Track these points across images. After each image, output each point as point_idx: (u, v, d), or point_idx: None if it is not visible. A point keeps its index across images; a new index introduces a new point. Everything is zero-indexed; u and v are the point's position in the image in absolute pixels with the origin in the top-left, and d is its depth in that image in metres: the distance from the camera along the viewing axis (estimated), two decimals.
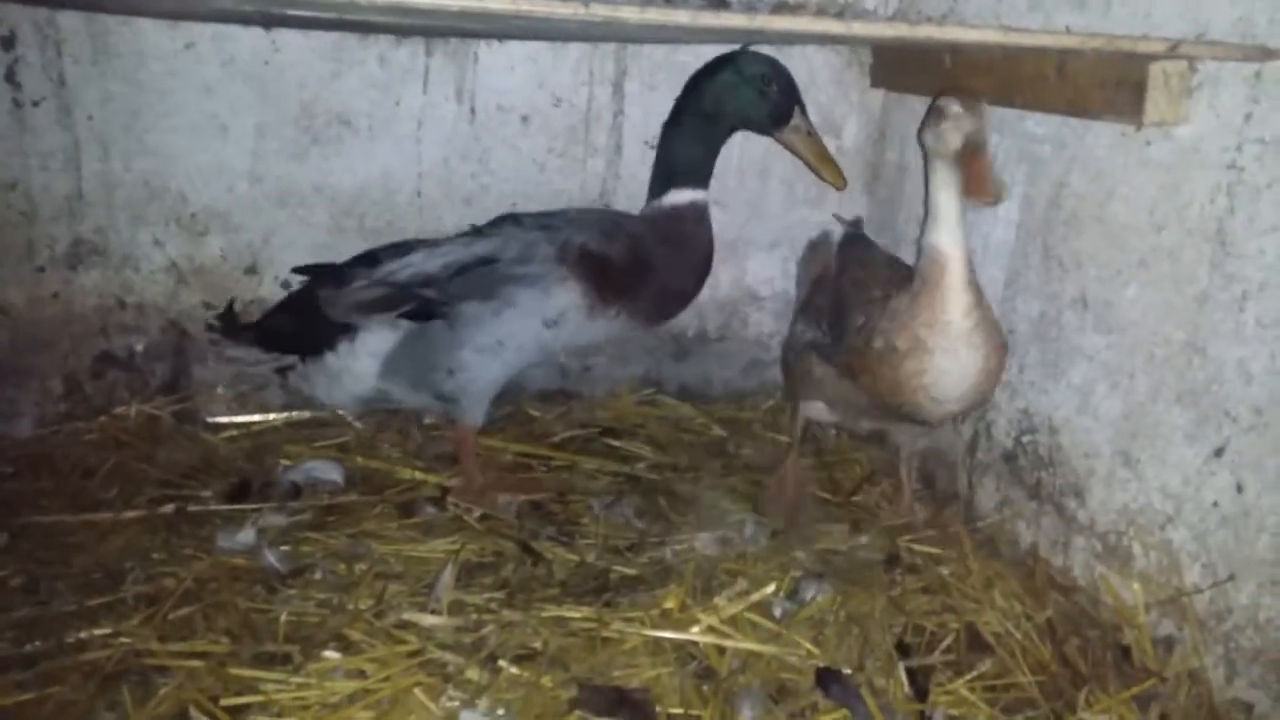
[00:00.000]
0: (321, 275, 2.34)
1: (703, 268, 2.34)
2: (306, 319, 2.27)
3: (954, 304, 1.89)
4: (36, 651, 1.71)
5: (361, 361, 2.25)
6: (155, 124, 2.41)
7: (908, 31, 1.45)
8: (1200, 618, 1.68)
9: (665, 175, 2.30)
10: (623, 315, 2.28)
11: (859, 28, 1.40)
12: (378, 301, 2.21)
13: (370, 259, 2.29)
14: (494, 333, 2.19)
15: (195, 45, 2.38)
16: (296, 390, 2.43)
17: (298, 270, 2.42)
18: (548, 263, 2.19)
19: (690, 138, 2.27)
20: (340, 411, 2.56)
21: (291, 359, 2.32)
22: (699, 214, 2.29)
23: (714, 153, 2.30)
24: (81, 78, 2.35)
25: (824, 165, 2.31)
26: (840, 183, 2.33)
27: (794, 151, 2.33)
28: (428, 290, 2.19)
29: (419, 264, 2.22)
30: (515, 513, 2.24)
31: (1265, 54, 1.56)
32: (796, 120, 2.27)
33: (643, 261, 2.26)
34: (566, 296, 2.20)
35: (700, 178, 2.29)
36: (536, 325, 2.21)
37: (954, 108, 1.84)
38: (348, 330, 2.24)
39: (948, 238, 1.89)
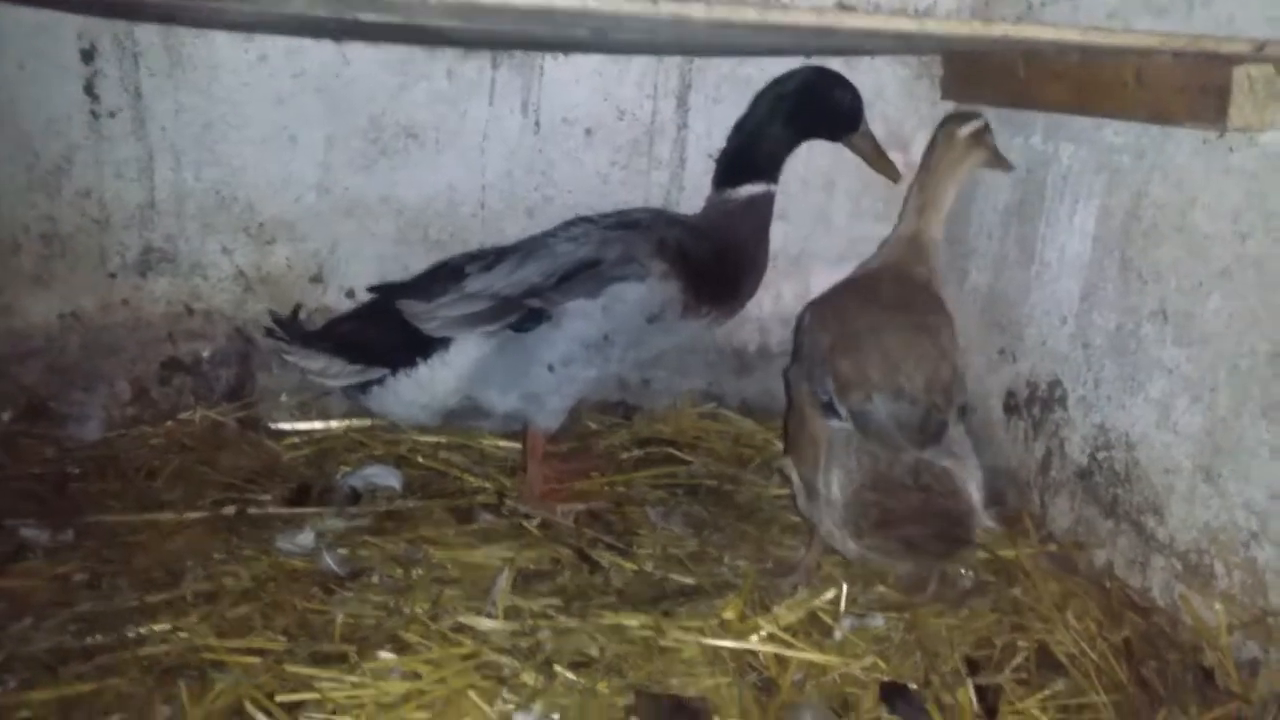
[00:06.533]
0: (399, 289, 2.33)
1: (767, 255, 2.45)
2: (391, 332, 2.26)
3: None
4: (97, 645, 1.72)
5: (455, 370, 2.25)
6: (226, 135, 2.45)
7: (983, 30, 1.41)
8: None
9: (743, 168, 2.36)
10: (713, 314, 2.35)
11: (932, 25, 1.38)
12: (482, 314, 2.21)
13: (450, 271, 2.30)
14: (601, 327, 2.22)
15: (268, 58, 2.42)
16: (366, 407, 2.41)
17: (374, 289, 2.42)
18: (650, 260, 2.24)
19: (771, 135, 2.34)
20: (414, 425, 2.53)
21: (379, 372, 2.29)
22: (770, 204, 2.39)
23: (788, 153, 2.40)
24: (157, 89, 2.40)
25: (886, 165, 2.45)
26: (898, 176, 2.48)
27: (862, 155, 2.45)
28: (533, 300, 2.21)
29: (517, 273, 2.23)
30: (573, 519, 2.22)
31: None
32: (865, 127, 2.39)
33: (729, 261, 2.35)
34: (668, 291, 2.25)
35: (774, 174, 2.38)
36: (640, 320, 2.25)
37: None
38: (442, 341, 2.24)
39: None
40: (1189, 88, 1.72)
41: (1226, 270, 1.76)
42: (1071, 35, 1.49)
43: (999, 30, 1.46)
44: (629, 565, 2.05)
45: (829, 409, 1.87)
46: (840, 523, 1.85)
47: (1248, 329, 1.71)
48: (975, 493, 1.84)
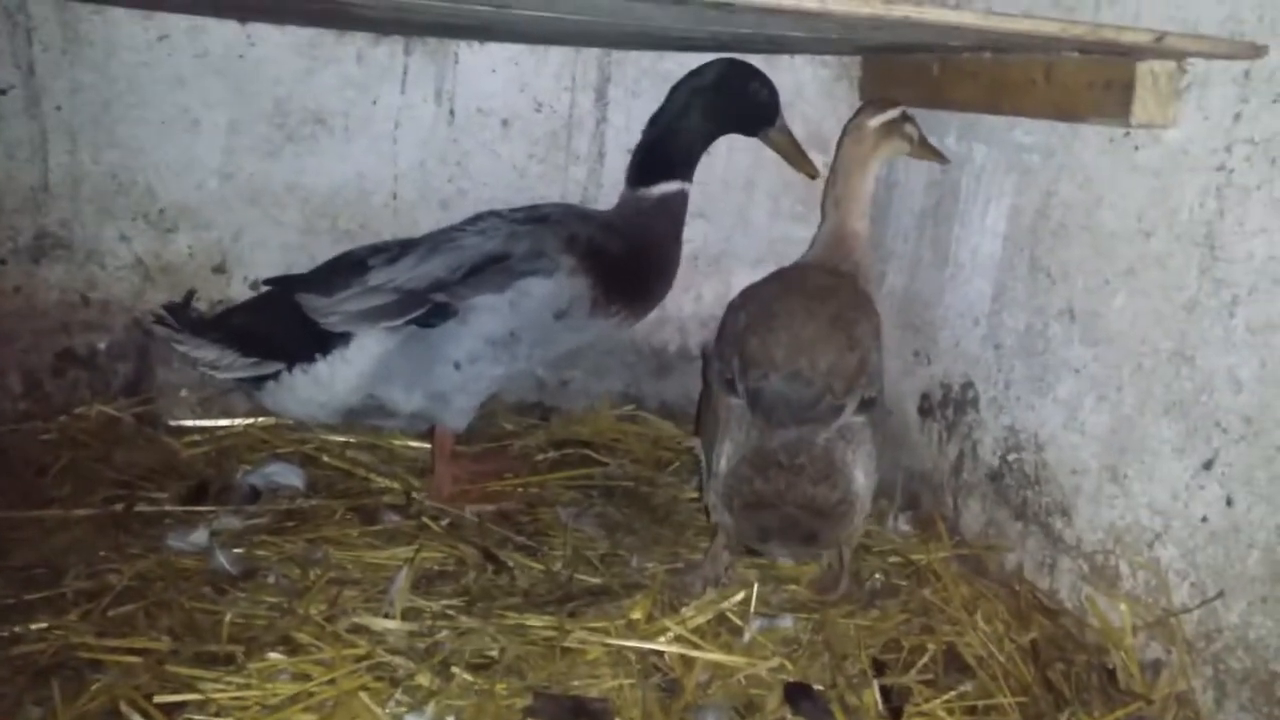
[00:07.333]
0: (298, 282, 2.25)
1: (679, 255, 2.43)
2: (289, 324, 2.17)
3: None
4: None
5: (356, 367, 2.17)
6: (125, 116, 2.36)
7: (884, 10, 1.40)
8: (1188, 638, 1.61)
9: (657, 165, 2.34)
10: (622, 313, 2.31)
11: (834, 4, 1.36)
12: (385, 309, 2.14)
13: (352, 264, 2.23)
14: (508, 323, 2.17)
15: (169, 37, 2.33)
16: (262, 404, 2.32)
17: (270, 283, 2.33)
18: (560, 255, 2.20)
19: (687, 129, 2.33)
20: (314, 424, 2.45)
21: (274, 366, 2.20)
22: (684, 203, 2.37)
23: (703, 149, 2.39)
24: (51, 67, 2.30)
25: (804, 161, 2.44)
26: (815, 173, 2.48)
27: (779, 149, 2.43)
28: (439, 295, 2.14)
29: (421, 266, 2.17)
30: (479, 516, 2.18)
31: (1254, 50, 1.51)
32: (782, 121, 2.38)
33: (641, 259, 2.32)
34: (577, 287, 2.21)
35: (689, 172, 2.36)
36: (548, 317, 2.21)
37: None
38: (342, 336, 2.16)
39: None
40: (1095, 84, 1.73)
41: (1131, 268, 1.76)
42: (973, 20, 1.49)
43: (900, 12, 1.45)
44: (536, 566, 2.00)
45: (731, 386, 1.86)
46: (720, 495, 1.86)
47: (1151, 327, 1.71)
48: (861, 478, 1.83)
